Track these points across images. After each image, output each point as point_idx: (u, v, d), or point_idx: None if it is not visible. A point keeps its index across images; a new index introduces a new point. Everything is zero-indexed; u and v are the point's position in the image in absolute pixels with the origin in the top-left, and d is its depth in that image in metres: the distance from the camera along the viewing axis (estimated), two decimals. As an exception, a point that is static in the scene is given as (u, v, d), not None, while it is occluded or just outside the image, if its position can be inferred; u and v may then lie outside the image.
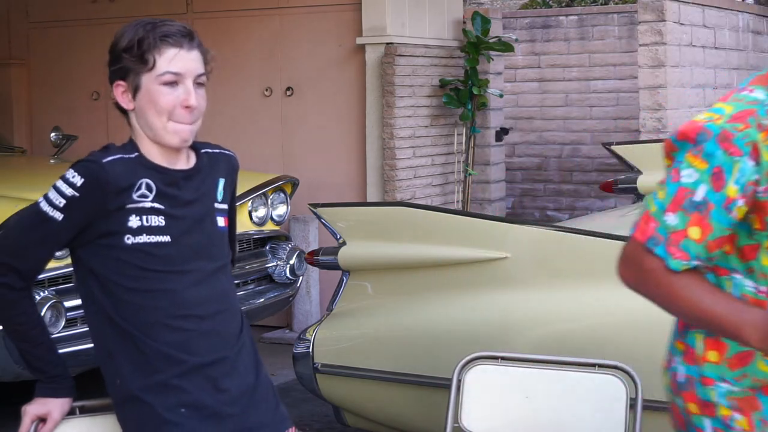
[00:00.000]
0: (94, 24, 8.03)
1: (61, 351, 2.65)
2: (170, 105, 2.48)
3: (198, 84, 2.52)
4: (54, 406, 2.56)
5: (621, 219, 4.91)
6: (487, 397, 3.26)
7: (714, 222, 2.02)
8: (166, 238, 2.50)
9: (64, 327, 4.82)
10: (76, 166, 2.48)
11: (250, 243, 6.16)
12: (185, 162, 2.59)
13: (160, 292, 2.50)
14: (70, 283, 4.89)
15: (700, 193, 2.02)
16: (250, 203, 6.12)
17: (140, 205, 2.48)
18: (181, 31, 2.50)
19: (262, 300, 6.11)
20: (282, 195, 6.44)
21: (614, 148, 5.64)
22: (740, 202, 2.02)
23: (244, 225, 6.00)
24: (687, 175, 2.03)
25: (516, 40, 8.68)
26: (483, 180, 8.14)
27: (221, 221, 2.63)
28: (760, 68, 9.46)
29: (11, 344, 2.70)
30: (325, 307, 4.89)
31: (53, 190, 2.48)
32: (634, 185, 5.44)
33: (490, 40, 7.60)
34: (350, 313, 4.11)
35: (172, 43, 2.48)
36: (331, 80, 7.43)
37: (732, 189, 2.01)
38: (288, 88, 7.55)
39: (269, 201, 6.31)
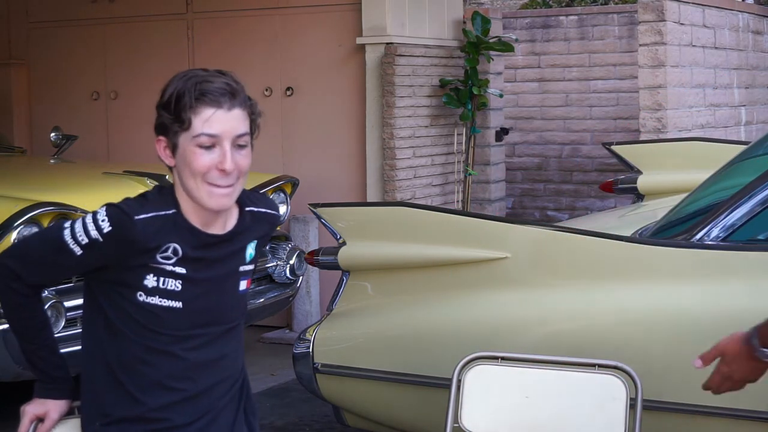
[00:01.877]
0: (94, 24, 8.03)
1: (60, 351, 2.65)
2: (204, 168, 2.37)
3: (239, 145, 2.39)
4: (52, 406, 2.56)
5: (621, 219, 4.91)
6: (487, 397, 3.26)
7: None
8: (178, 304, 2.43)
9: (64, 327, 4.82)
10: (110, 210, 2.39)
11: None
12: (223, 223, 2.49)
13: (161, 352, 2.45)
14: (70, 282, 4.88)
15: None
16: (250, 203, 6.11)
17: (161, 266, 2.40)
18: (222, 89, 2.36)
19: (262, 300, 6.11)
20: (282, 195, 6.43)
21: (614, 148, 5.64)
22: None
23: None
24: None
25: (516, 40, 8.68)
26: (483, 180, 8.14)
27: (243, 284, 2.56)
28: (759, 68, 9.50)
29: (11, 344, 2.70)
30: (325, 307, 4.89)
31: (80, 224, 2.39)
32: (634, 185, 5.44)
33: (490, 40, 7.60)
34: (350, 313, 4.11)
35: (209, 102, 2.34)
36: (331, 80, 7.42)
37: None
38: (288, 88, 7.55)
39: (269, 201, 6.30)
